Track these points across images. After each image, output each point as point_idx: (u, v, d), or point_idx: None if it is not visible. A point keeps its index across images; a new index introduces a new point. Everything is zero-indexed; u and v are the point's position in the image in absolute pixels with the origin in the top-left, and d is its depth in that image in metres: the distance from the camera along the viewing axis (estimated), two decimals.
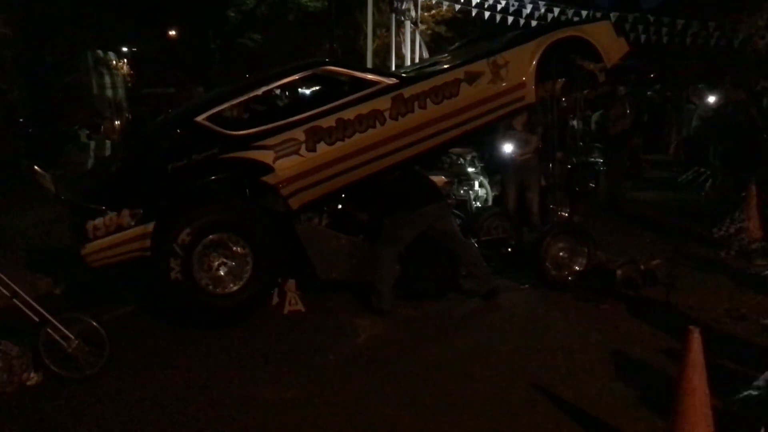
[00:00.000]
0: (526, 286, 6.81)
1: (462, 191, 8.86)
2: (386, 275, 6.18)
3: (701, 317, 5.72)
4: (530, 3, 16.06)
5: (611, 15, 14.47)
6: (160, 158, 5.87)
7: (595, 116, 12.49)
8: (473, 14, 17.13)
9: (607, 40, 7.22)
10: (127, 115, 18.69)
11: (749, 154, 9.63)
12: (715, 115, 12.78)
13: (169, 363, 5.16)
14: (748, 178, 8.68)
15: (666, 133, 17.29)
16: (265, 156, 5.89)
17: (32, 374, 4.78)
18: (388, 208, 6.36)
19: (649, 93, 18.13)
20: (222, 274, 5.84)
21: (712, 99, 14.47)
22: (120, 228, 5.57)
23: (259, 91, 6.42)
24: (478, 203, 8.91)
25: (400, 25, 16.22)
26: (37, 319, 4.75)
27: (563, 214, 8.27)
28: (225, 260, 5.85)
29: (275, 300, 6.32)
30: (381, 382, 4.75)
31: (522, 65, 6.74)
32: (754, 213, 8.22)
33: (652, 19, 15.27)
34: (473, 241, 6.99)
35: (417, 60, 15.49)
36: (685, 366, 3.43)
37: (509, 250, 7.57)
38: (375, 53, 18.72)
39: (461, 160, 9.14)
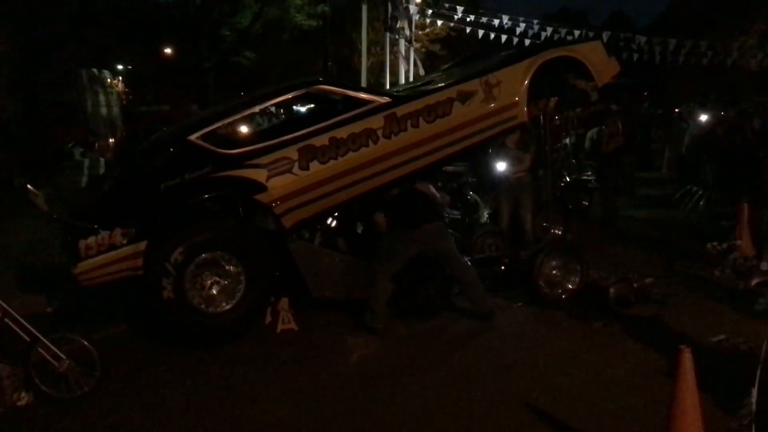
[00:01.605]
0: (519, 304, 6.81)
1: (456, 209, 8.87)
2: (380, 293, 6.16)
3: (694, 335, 5.72)
4: (523, 22, 16.22)
5: (603, 34, 14.63)
6: (153, 177, 5.86)
7: (590, 133, 12.56)
8: (467, 31, 17.30)
9: (598, 59, 7.27)
10: (121, 133, 18.70)
11: (742, 173, 9.67)
12: (708, 133, 12.85)
13: (160, 383, 5.13)
14: (740, 197, 8.71)
15: (656, 151, 17.38)
16: (258, 174, 5.90)
17: (23, 394, 4.76)
18: (387, 224, 6.35)
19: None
20: (215, 292, 5.82)
21: (704, 117, 14.57)
22: (112, 247, 5.56)
23: (253, 110, 6.45)
24: (472, 221, 8.92)
25: (394, 43, 16.36)
26: (28, 338, 4.73)
27: (556, 232, 8.28)
28: (218, 279, 5.83)
29: (268, 318, 6.30)
30: (374, 401, 4.74)
31: (514, 85, 6.78)
32: (746, 231, 8.25)
33: (644, 39, 15.44)
34: (467, 258, 7.00)
35: (411, 78, 15.62)
36: (676, 385, 3.44)
37: (503, 268, 7.57)
38: (370, 71, 18.86)
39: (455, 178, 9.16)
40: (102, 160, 15.17)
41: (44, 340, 4.74)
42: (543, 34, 15.90)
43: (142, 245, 5.60)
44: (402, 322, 6.31)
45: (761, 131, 9.36)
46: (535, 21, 16.16)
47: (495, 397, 4.72)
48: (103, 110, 18.19)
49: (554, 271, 6.80)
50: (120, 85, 21.19)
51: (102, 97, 18.19)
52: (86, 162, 14.40)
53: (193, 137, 5.96)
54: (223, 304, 5.81)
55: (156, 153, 6.32)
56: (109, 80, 18.94)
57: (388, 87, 15.68)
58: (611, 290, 6.64)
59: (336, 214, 6.73)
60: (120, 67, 24.44)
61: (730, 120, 12.24)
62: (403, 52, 15.95)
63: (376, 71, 21.00)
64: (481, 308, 6.40)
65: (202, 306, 5.76)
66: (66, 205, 6.44)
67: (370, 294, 6.17)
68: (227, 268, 5.84)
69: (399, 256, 6.23)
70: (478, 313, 6.40)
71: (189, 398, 4.85)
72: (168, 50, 26.59)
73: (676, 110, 18.34)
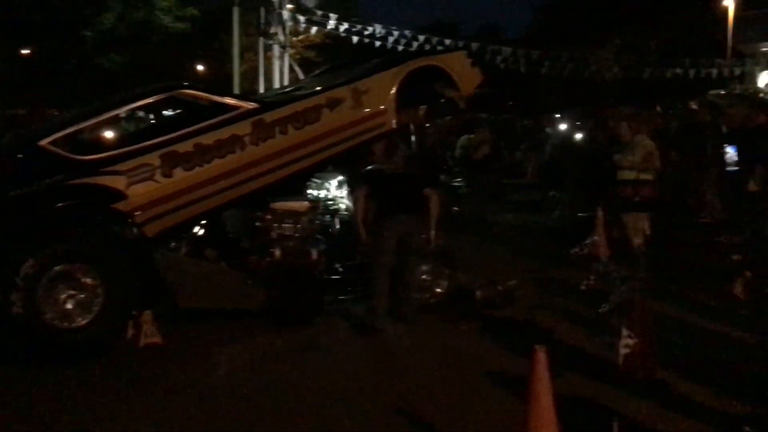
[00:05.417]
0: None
1: (327, 216, 8.83)
2: (379, 289, 6.16)
3: (556, 335, 5.97)
4: (396, 30, 16.57)
5: (472, 45, 15.18)
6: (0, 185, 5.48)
7: (461, 141, 12.92)
8: (342, 36, 17.44)
9: (461, 68, 7.51)
10: None
11: (597, 178, 10.23)
12: (567, 141, 13.56)
13: (11, 402, 4.75)
14: (596, 201, 9.19)
15: (521, 159, 18.15)
16: (117, 182, 5.65)
17: None
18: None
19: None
20: (69, 307, 5.47)
21: (563, 126, 15.38)
22: None
23: (111, 114, 6.19)
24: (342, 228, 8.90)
25: (268, 49, 16.21)
26: None
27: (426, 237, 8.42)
28: (73, 292, 5.50)
29: (130, 332, 5.99)
30: (242, 416, 4.60)
31: (382, 92, 6.87)
32: (601, 233, 8.71)
33: (509, 51, 16.17)
34: (338, 266, 7.02)
35: (286, 84, 15.54)
36: (532, 383, 3.58)
37: None
38: (243, 77, 18.58)
39: (327, 184, 9.11)
40: None
41: None
42: (415, 44, 16.30)
43: None
44: (273, 331, 6.21)
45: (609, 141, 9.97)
46: (407, 31, 16.55)
47: (366, 403, 4.71)
48: None
49: (423, 276, 6.91)
50: None
51: None
52: None
53: (44, 142, 5.64)
54: (79, 319, 5.48)
55: (3, 159, 5.91)
56: None
57: (261, 92, 15.51)
58: (477, 293, 6.84)
59: (203, 222, 6.55)
60: None
61: (588, 129, 12.96)
62: (277, 58, 15.84)
63: (251, 77, 20.72)
64: (402, 314, 6.35)
65: (56, 322, 5.41)
66: None
67: (369, 293, 6.20)
68: (83, 280, 5.51)
69: (386, 246, 6.22)
70: (397, 316, 6.34)
71: (41, 417, 4.51)
72: (25, 51, 25.00)
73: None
